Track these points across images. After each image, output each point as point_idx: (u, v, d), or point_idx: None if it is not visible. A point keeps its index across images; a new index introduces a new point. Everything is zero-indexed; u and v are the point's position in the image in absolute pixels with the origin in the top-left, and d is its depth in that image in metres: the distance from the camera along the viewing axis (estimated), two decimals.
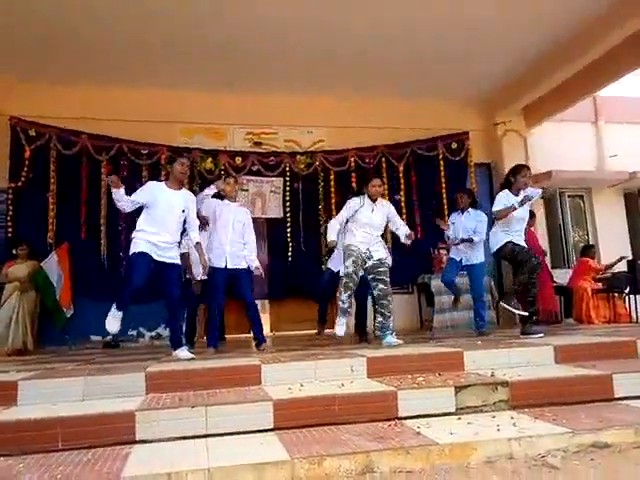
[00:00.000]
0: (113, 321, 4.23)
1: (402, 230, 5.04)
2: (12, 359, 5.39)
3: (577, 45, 6.40)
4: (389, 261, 5.83)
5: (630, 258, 7.91)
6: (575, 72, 6.86)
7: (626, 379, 3.32)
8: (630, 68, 6.70)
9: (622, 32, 5.93)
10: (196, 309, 6.04)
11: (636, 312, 7.30)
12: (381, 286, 4.89)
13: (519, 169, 5.12)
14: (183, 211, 4.44)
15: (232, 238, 4.88)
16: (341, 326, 4.88)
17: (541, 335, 4.70)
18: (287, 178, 7.74)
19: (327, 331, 6.62)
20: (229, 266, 4.82)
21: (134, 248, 4.30)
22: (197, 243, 4.55)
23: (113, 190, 4.25)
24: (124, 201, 4.30)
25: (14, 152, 6.81)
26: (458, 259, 5.90)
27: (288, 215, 7.72)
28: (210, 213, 4.97)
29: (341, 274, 5.12)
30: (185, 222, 4.50)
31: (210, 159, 7.45)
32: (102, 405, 2.98)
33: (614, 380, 3.29)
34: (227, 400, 3.03)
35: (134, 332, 7.04)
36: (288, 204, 7.74)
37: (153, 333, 7.15)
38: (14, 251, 6.42)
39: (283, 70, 7.05)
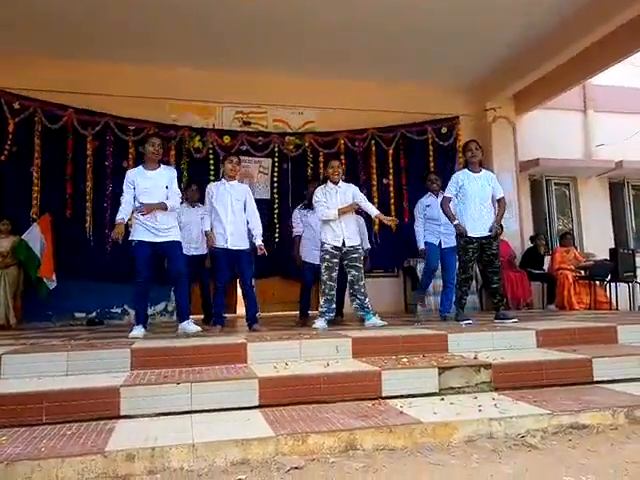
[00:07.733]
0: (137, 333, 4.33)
1: (369, 209, 5.13)
2: None
3: (568, 32, 6.38)
4: (365, 245, 5.86)
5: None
6: (566, 60, 6.85)
7: (605, 363, 3.39)
8: (620, 56, 6.73)
9: (615, 20, 5.93)
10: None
11: (616, 299, 7.42)
12: (354, 272, 4.98)
13: (464, 146, 5.29)
14: (166, 187, 4.45)
15: (232, 219, 4.80)
16: (320, 323, 4.84)
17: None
18: (276, 159, 7.67)
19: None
20: (230, 247, 4.78)
21: (133, 235, 4.42)
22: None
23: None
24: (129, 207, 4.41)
25: None
26: (437, 243, 5.73)
27: (276, 196, 7.66)
28: (207, 199, 4.93)
29: (321, 277, 5.04)
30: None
31: (198, 137, 7.36)
32: (86, 380, 2.98)
33: (594, 364, 3.36)
34: (212, 377, 3.03)
35: (118, 310, 7.01)
36: (276, 185, 7.69)
37: None
38: None
39: (274, 50, 6.95)
